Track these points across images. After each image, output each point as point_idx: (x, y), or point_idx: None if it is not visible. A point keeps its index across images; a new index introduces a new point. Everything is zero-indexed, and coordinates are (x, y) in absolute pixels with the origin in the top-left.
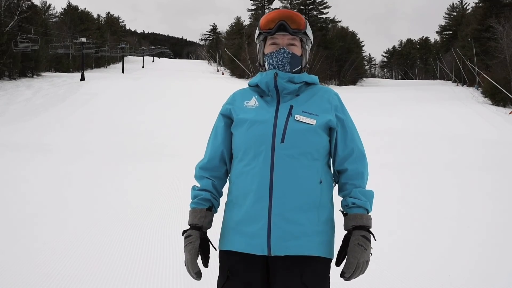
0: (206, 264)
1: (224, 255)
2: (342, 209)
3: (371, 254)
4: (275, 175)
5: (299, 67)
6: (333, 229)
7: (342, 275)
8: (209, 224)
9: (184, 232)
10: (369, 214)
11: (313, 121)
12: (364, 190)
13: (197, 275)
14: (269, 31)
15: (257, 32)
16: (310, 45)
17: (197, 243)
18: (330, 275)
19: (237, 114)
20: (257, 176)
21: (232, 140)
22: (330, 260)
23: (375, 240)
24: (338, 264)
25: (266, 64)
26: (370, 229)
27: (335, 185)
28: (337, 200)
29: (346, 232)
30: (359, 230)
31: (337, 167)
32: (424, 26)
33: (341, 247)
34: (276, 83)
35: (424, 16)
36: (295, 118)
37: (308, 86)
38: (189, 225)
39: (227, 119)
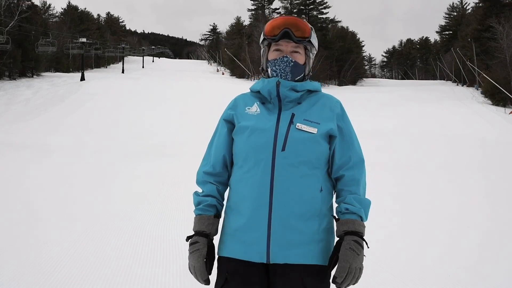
0: (210, 271)
1: (223, 260)
2: (335, 215)
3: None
4: (276, 184)
5: (302, 75)
6: (334, 237)
7: (334, 280)
8: (216, 232)
9: (188, 238)
10: (362, 222)
11: (314, 130)
12: (360, 197)
13: (206, 282)
14: (273, 37)
15: (261, 37)
16: (315, 52)
17: (204, 250)
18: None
19: (239, 121)
20: (257, 184)
21: (233, 146)
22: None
23: (368, 247)
24: (330, 270)
25: (269, 70)
26: (363, 236)
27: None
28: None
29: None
30: (351, 235)
31: (334, 174)
32: (419, 27)
33: (332, 253)
34: (279, 92)
35: (419, 18)
36: (297, 126)
37: (310, 93)
38: (195, 231)
39: (230, 124)
